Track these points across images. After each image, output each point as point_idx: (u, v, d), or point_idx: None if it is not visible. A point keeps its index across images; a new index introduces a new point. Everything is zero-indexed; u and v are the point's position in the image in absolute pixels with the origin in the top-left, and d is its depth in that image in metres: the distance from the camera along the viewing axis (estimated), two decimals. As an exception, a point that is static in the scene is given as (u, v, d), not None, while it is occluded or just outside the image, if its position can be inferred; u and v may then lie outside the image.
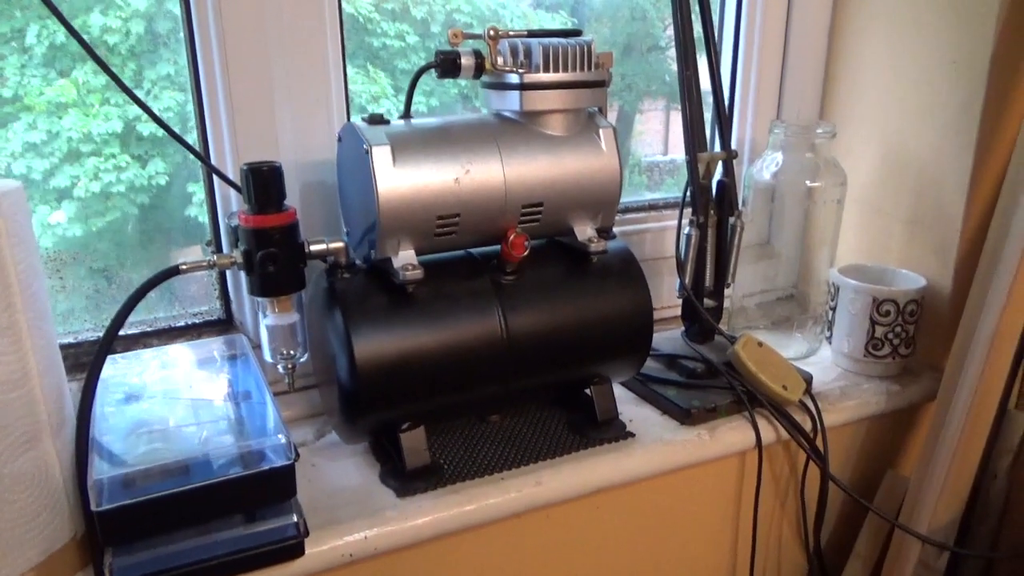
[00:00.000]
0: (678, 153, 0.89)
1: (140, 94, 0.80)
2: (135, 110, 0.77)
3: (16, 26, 0.76)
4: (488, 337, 0.72)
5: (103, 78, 0.78)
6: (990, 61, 0.87)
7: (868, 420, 0.96)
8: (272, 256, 0.67)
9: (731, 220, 0.91)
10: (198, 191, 0.85)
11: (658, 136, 1.23)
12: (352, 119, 0.83)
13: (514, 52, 0.72)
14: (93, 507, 0.56)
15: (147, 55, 0.81)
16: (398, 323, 0.69)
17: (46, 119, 0.78)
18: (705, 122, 0.89)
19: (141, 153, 0.83)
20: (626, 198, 1.09)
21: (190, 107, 0.80)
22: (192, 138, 0.80)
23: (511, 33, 0.72)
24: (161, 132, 0.72)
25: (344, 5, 0.81)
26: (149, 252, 0.87)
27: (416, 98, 0.75)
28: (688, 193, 0.89)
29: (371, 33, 0.93)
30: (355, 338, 0.67)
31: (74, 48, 0.76)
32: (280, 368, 0.73)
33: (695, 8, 0.86)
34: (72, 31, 0.65)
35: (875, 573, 0.96)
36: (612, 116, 1.14)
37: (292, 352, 0.73)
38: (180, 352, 0.80)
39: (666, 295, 1.07)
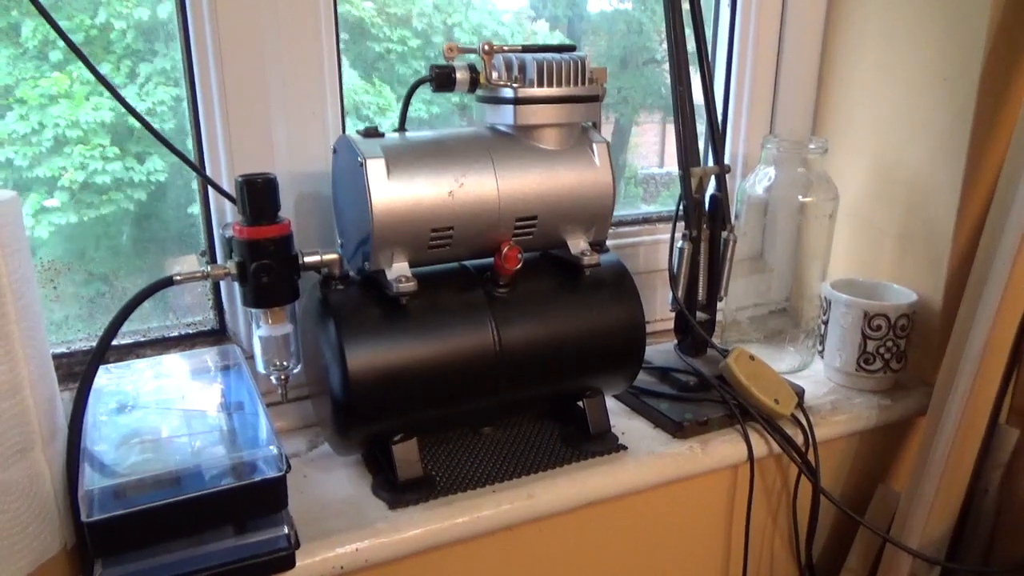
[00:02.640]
0: (674, 166, 0.90)
1: (134, 89, 0.81)
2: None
3: (11, 21, 0.76)
4: (481, 349, 0.72)
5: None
6: (980, 78, 0.88)
7: (859, 434, 0.96)
8: (266, 267, 0.67)
9: (724, 234, 0.91)
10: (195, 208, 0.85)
11: (654, 149, 1.24)
12: (347, 131, 0.84)
13: (508, 67, 0.73)
14: (84, 518, 0.56)
15: (144, 51, 0.81)
16: (391, 335, 0.69)
17: (38, 111, 0.78)
18: (698, 136, 0.90)
19: (139, 151, 0.83)
20: (623, 210, 1.10)
21: (185, 104, 0.80)
22: (188, 145, 0.81)
23: (505, 48, 0.73)
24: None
25: (350, 8, 0.81)
26: (144, 261, 0.87)
27: (416, 105, 0.75)
28: (681, 207, 0.90)
29: (374, 39, 0.93)
30: (348, 350, 0.67)
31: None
32: (273, 379, 0.74)
33: (688, 23, 0.87)
34: (62, 34, 0.65)
35: (867, 587, 0.96)
36: (608, 129, 1.15)
37: (285, 363, 0.73)
38: (173, 362, 0.80)
39: (659, 308, 1.08)
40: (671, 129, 0.89)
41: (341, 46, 0.83)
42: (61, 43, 0.67)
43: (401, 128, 0.74)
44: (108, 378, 0.75)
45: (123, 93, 0.69)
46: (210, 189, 0.80)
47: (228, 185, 0.79)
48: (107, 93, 0.68)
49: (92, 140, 0.81)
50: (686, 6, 0.86)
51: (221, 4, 0.74)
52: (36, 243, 0.80)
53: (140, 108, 0.71)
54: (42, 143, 0.79)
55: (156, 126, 0.71)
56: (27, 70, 0.77)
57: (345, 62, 0.85)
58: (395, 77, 0.96)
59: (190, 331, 0.86)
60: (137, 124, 0.70)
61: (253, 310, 0.71)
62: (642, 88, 1.17)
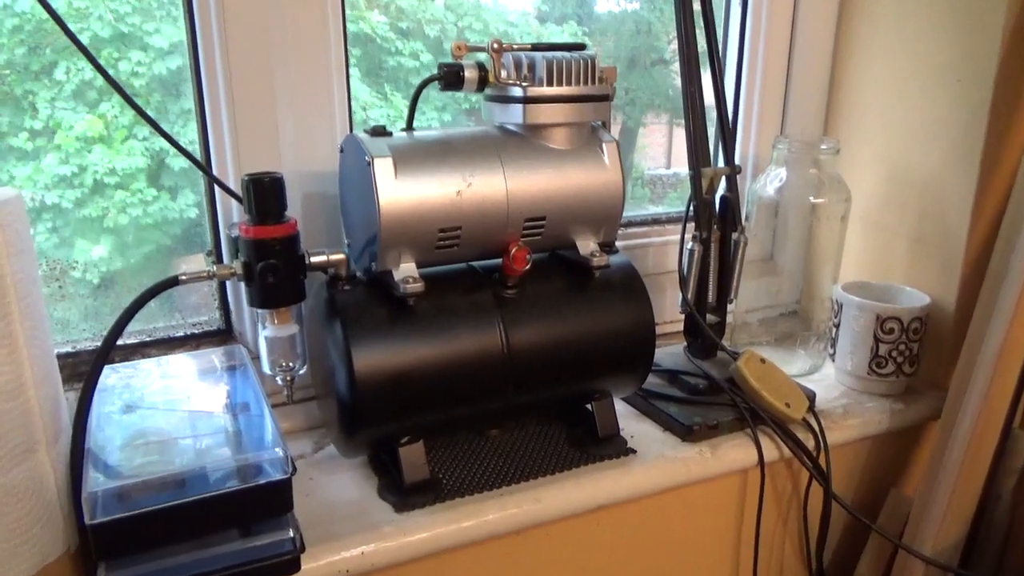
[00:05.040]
0: (681, 166, 0.89)
1: (165, 127, 0.81)
2: (161, 143, 0.76)
3: (47, 62, 0.77)
4: (489, 351, 0.71)
5: (129, 114, 0.78)
6: (995, 79, 0.87)
7: (871, 439, 0.95)
8: (272, 267, 0.66)
9: (734, 235, 0.91)
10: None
11: (661, 149, 1.23)
12: (355, 130, 0.83)
13: (518, 65, 0.72)
14: (87, 520, 0.55)
15: (171, 89, 0.82)
16: (398, 336, 0.69)
17: (76, 156, 0.79)
18: (709, 137, 0.89)
19: (171, 185, 0.83)
20: (629, 211, 1.09)
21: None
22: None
23: (515, 46, 0.72)
24: (187, 163, 0.72)
25: (360, 24, 0.81)
26: (150, 261, 0.87)
27: (429, 113, 0.75)
28: (691, 208, 0.89)
29: (387, 52, 0.93)
30: (355, 351, 0.66)
31: (101, 81, 0.76)
32: (279, 380, 0.73)
33: (699, 23, 0.86)
34: (91, 58, 0.65)
35: (878, 594, 0.95)
36: (615, 130, 1.14)
37: (291, 364, 0.72)
38: (179, 362, 0.79)
39: (668, 310, 1.07)
40: (678, 130, 0.88)
41: (352, 60, 0.82)
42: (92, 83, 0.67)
43: (409, 127, 0.74)
44: (113, 378, 0.74)
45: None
46: (216, 188, 0.79)
47: (235, 184, 0.78)
48: (141, 135, 0.68)
49: (130, 184, 0.81)
50: (697, 6, 0.85)
51: (229, 2, 0.74)
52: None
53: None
54: (84, 185, 0.80)
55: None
56: (66, 112, 0.78)
57: (356, 74, 0.84)
58: (408, 85, 0.95)
59: (196, 331, 0.85)
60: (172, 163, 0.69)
61: (259, 310, 0.70)
62: (650, 89, 1.17)
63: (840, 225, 0.96)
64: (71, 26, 0.64)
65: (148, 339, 0.83)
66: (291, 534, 0.63)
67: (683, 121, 0.88)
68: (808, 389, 0.91)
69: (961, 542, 0.88)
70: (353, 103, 0.83)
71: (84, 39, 0.71)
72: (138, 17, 0.80)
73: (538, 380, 0.75)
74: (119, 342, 0.74)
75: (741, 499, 0.89)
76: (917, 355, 0.93)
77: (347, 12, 0.81)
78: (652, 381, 0.89)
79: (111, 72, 0.68)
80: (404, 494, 0.71)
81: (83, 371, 0.77)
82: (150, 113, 0.69)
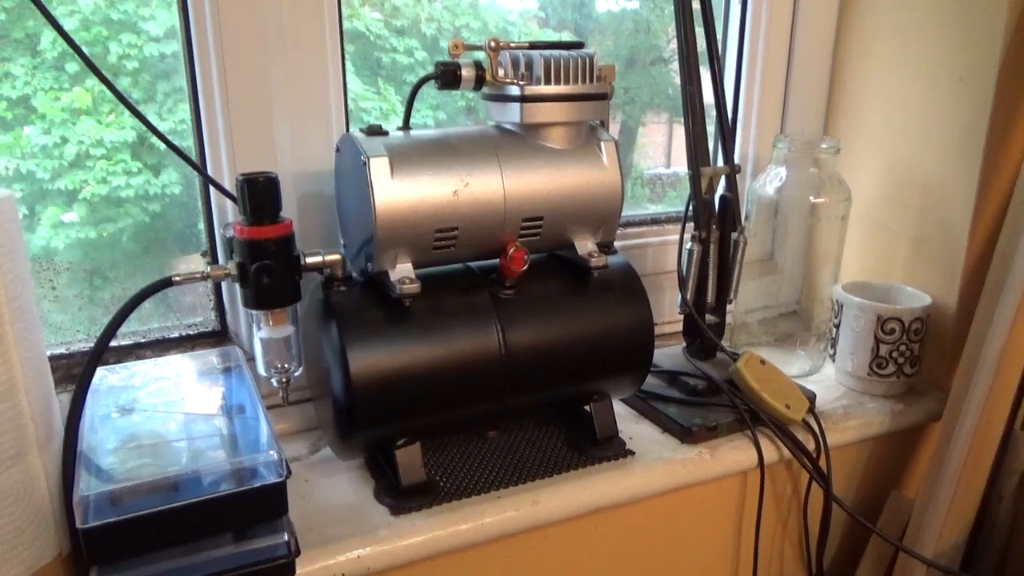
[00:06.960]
0: (681, 166, 0.88)
1: (154, 107, 0.80)
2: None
3: (30, 32, 0.76)
4: (486, 352, 0.71)
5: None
6: (997, 78, 0.86)
7: (872, 440, 0.94)
8: (267, 268, 0.66)
9: (734, 235, 0.90)
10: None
11: (661, 149, 1.23)
12: (351, 130, 0.83)
13: (515, 64, 0.71)
14: (79, 524, 0.55)
15: (161, 70, 0.81)
16: (394, 337, 0.68)
17: (60, 126, 0.78)
18: (708, 136, 0.88)
19: (154, 163, 0.82)
20: (628, 210, 1.09)
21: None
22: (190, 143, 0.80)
23: (512, 45, 0.71)
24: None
25: (355, 22, 0.80)
26: (144, 261, 0.86)
27: (423, 112, 0.74)
28: (690, 208, 0.88)
29: (380, 49, 0.92)
30: (350, 352, 0.66)
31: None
32: (274, 382, 0.72)
33: (699, 21, 0.85)
34: (72, 44, 0.64)
35: (879, 596, 0.94)
36: (615, 129, 1.14)
37: (286, 366, 0.72)
38: (174, 364, 0.78)
39: (667, 310, 1.06)
40: (678, 129, 0.88)
41: (347, 56, 0.81)
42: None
43: (405, 127, 0.73)
44: (108, 380, 0.74)
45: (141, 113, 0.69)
46: (211, 188, 0.78)
47: (230, 184, 0.78)
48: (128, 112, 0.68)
49: (114, 156, 0.80)
50: (696, 4, 0.84)
51: (224, 1, 0.73)
52: (51, 253, 0.80)
53: (161, 127, 0.71)
54: (64, 156, 0.79)
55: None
56: (45, 81, 0.77)
57: (349, 68, 0.84)
58: (401, 82, 0.94)
59: (191, 332, 0.84)
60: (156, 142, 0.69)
61: (254, 312, 0.69)
62: (649, 88, 1.16)
63: (840, 225, 0.95)
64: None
65: (143, 340, 0.82)
66: (286, 538, 0.62)
67: (682, 120, 0.87)
68: (808, 390, 0.90)
69: (962, 544, 0.88)
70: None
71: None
72: (131, 4, 0.79)
73: (536, 381, 0.74)
74: (113, 343, 0.73)
75: (741, 501, 0.88)
76: (918, 356, 0.93)
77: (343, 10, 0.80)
78: (651, 382, 0.89)
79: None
80: (400, 497, 0.71)
81: (77, 372, 0.76)
82: (138, 94, 0.68)
